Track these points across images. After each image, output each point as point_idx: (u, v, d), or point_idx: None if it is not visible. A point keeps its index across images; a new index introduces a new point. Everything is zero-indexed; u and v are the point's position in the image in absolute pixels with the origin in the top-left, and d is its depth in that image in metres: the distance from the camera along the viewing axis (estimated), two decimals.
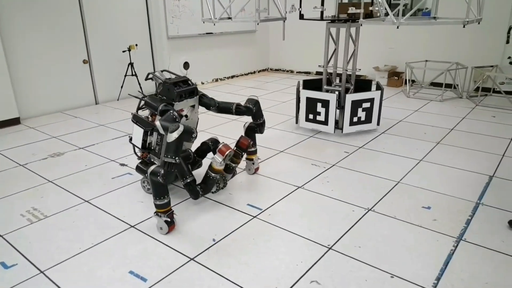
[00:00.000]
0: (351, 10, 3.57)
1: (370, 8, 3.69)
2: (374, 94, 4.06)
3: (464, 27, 3.26)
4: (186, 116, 2.83)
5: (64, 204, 2.80)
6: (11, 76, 4.67)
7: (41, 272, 2.08)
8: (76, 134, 4.39)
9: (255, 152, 3.20)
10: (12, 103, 4.69)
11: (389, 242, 2.30)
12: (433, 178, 3.13)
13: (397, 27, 3.21)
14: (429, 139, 4.02)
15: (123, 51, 5.77)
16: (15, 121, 4.76)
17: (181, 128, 2.23)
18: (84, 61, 5.49)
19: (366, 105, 4.04)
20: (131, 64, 5.78)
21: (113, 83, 5.86)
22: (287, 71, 8.41)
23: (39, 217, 2.63)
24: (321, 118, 4.11)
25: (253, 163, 3.22)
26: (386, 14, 3.36)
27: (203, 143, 2.98)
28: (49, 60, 5.10)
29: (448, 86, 5.91)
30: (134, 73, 5.79)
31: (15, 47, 4.75)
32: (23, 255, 2.22)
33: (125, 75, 5.82)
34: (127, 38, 5.89)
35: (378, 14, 3.68)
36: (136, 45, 5.92)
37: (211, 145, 2.97)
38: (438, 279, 1.98)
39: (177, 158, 2.22)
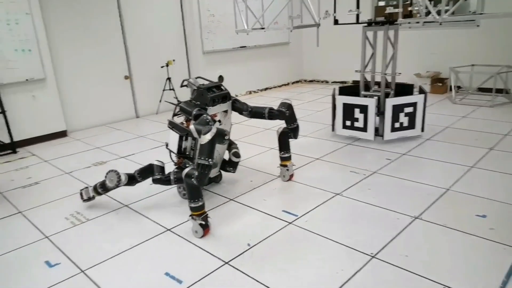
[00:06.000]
0: (389, 10, 3.45)
1: (409, 9, 3.54)
2: (417, 98, 3.84)
3: None
4: (219, 121, 2.84)
5: (105, 208, 2.88)
6: (59, 92, 5.01)
7: (82, 271, 2.12)
8: (118, 144, 4.57)
9: (289, 158, 3.12)
10: (60, 117, 5.01)
11: (440, 251, 2.10)
12: (487, 185, 2.86)
13: (440, 24, 3.04)
14: (480, 145, 3.71)
15: (162, 67, 6.01)
16: (63, 134, 5.06)
17: (214, 130, 2.22)
18: (126, 77, 5.78)
19: (409, 109, 3.83)
20: (168, 79, 5.99)
21: (152, 97, 6.09)
22: (322, 81, 8.30)
23: (81, 220, 2.72)
24: (359, 124, 3.95)
25: (287, 170, 3.13)
26: (427, 14, 3.20)
27: None
28: (94, 77, 5.41)
29: (499, 91, 5.49)
30: (171, 88, 5.99)
31: (63, 65, 5.10)
32: (65, 255, 2.28)
33: (163, 90, 6.03)
34: (165, 54, 6.14)
35: (418, 14, 3.52)
36: (174, 60, 6.15)
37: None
38: None
39: (210, 160, 2.20)
